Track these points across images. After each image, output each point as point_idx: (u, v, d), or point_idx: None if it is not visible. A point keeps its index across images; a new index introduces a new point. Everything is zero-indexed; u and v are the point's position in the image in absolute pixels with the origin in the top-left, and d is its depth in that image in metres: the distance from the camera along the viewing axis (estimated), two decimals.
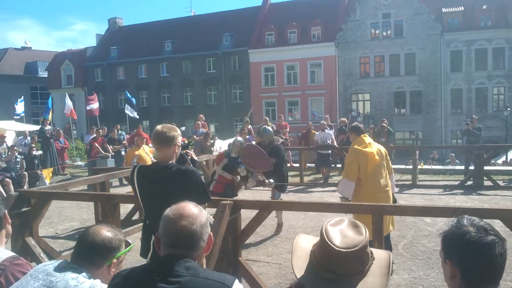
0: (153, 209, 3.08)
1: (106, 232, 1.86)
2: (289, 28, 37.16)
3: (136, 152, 9.40)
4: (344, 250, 1.32)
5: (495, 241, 1.32)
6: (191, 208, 1.60)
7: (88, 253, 1.81)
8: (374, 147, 5.19)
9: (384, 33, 34.88)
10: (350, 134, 5.47)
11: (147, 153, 10.09)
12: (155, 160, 9.32)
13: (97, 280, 1.77)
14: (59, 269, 1.77)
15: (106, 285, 1.74)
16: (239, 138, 7.24)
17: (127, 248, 1.94)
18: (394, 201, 5.41)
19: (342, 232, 1.38)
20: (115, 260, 1.86)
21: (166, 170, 3.14)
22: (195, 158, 3.87)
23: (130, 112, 21.06)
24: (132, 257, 6.19)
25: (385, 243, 4.60)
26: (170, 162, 3.18)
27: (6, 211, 2.20)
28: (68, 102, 21.43)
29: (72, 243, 6.86)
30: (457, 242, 1.34)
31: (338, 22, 35.84)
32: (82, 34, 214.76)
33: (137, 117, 22.09)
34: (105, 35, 47.82)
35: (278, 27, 37.53)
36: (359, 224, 1.42)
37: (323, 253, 1.35)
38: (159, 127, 3.24)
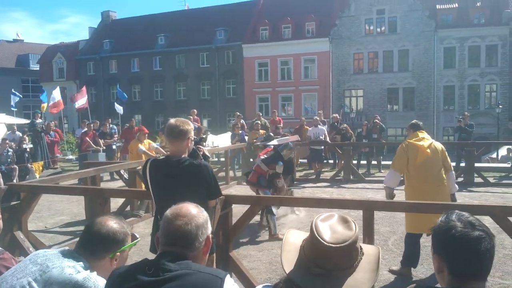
0: (165, 203, 3.07)
1: (113, 223, 1.84)
2: (283, 23, 37.11)
3: (140, 145, 9.39)
4: (333, 245, 1.31)
5: (482, 236, 1.31)
6: (189, 208, 1.60)
7: (91, 243, 1.80)
8: (427, 142, 5.26)
9: (378, 29, 34.96)
10: (408, 129, 5.61)
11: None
12: (155, 155, 9.33)
13: (94, 272, 1.75)
14: (58, 256, 1.76)
15: (103, 279, 1.73)
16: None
17: (132, 242, 1.91)
18: (454, 201, 5.26)
19: (332, 227, 1.37)
20: (118, 253, 1.84)
21: (179, 164, 3.14)
22: (207, 153, 3.88)
23: (117, 109, 21.24)
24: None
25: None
26: (183, 156, 3.18)
27: None
28: (55, 94, 20.59)
29: (62, 237, 6.85)
30: (443, 236, 1.33)
31: (332, 18, 35.83)
32: (75, 27, 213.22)
33: (121, 112, 22.16)
34: (98, 28, 47.50)
35: (272, 22, 37.46)
36: (349, 219, 1.41)
37: (313, 248, 1.34)
38: (172, 120, 3.25)
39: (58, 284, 1.67)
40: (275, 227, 6.62)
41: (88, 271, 1.73)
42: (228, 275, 1.52)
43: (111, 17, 48.00)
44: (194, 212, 1.58)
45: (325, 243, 1.31)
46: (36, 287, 1.66)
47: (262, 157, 7.17)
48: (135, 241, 1.93)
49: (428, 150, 5.15)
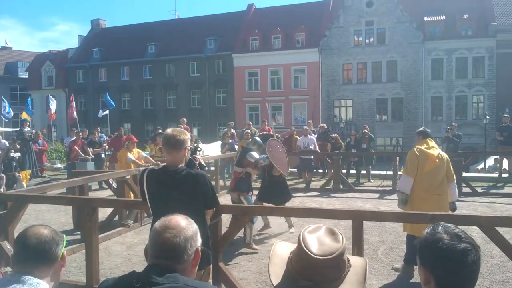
0: (162, 213, 3.05)
1: (45, 228, 1.81)
2: (274, 33, 37.35)
3: (129, 154, 9.33)
4: (321, 257, 1.31)
5: (468, 248, 1.32)
6: (178, 220, 1.58)
7: (40, 251, 1.73)
8: (436, 151, 5.40)
9: (367, 41, 35.30)
10: (417, 136, 5.68)
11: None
12: (145, 164, 9.26)
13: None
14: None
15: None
16: (259, 139, 7.31)
17: (64, 239, 1.88)
18: (454, 208, 5.50)
19: (319, 239, 1.38)
20: (64, 252, 1.82)
21: (176, 174, 3.15)
22: (203, 163, 3.87)
23: (99, 114, 21.38)
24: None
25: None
26: (180, 166, 3.19)
27: None
28: (52, 104, 20.98)
29: None
30: (430, 249, 1.34)
31: (322, 29, 36.14)
32: (65, 35, 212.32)
33: (100, 116, 22.15)
34: (88, 36, 47.38)
35: (262, 32, 37.67)
36: (336, 231, 1.42)
37: (300, 260, 1.34)
38: (169, 130, 3.27)
39: None
40: (251, 237, 6.55)
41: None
42: None
43: (101, 25, 47.92)
44: (183, 224, 1.57)
45: (313, 255, 1.31)
46: None
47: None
48: (64, 237, 1.90)
49: (437, 160, 5.30)
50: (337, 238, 1.38)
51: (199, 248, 1.59)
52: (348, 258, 1.40)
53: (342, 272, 1.35)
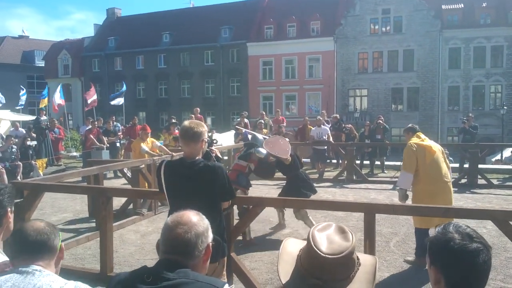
0: (179, 204, 3.08)
1: (41, 222, 1.83)
2: (288, 22, 37.05)
3: (142, 144, 9.40)
4: (330, 256, 1.31)
5: (480, 248, 1.31)
6: (189, 216, 1.59)
7: (39, 243, 1.75)
8: (430, 142, 5.59)
9: (383, 29, 34.85)
10: (407, 133, 5.81)
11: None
12: (159, 153, 9.29)
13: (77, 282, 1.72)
14: (23, 278, 1.66)
15: (86, 285, 1.71)
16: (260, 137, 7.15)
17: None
18: None
19: (329, 237, 1.37)
20: (62, 244, 1.84)
21: (193, 166, 3.17)
22: (220, 155, 3.88)
23: (116, 102, 21.13)
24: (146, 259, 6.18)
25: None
26: (197, 158, 3.21)
27: (9, 208, 2.13)
28: (56, 95, 20.83)
29: (65, 235, 6.86)
30: (441, 249, 1.33)
31: (337, 17, 35.75)
32: (80, 24, 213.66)
33: (117, 104, 21.84)
34: (103, 25, 47.57)
35: (277, 21, 37.41)
36: (346, 230, 1.41)
37: (309, 259, 1.34)
38: (186, 122, 3.29)
39: None
40: (250, 232, 6.45)
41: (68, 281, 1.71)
42: (227, 285, 1.52)
43: (116, 14, 48.04)
44: (194, 220, 1.58)
45: (322, 254, 1.31)
46: None
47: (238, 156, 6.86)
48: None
49: (435, 149, 5.44)
50: (347, 236, 1.38)
51: (210, 244, 1.60)
52: (357, 257, 1.40)
53: (351, 271, 1.35)
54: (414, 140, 5.55)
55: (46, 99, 20.58)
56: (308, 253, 1.36)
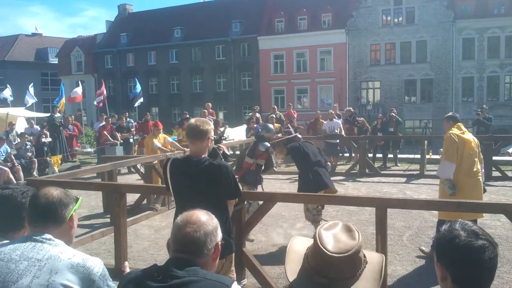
0: (184, 202, 3.13)
1: (55, 190, 1.87)
2: (299, 14, 36.83)
3: (155, 140, 9.48)
4: (336, 255, 1.33)
5: (485, 245, 1.32)
6: (199, 215, 1.63)
7: (50, 211, 1.80)
8: (470, 135, 5.54)
9: (396, 20, 34.46)
10: (447, 122, 5.68)
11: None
12: (171, 149, 9.32)
13: (86, 255, 1.75)
14: (30, 247, 1.71)
15: (96, 258, 1.77)
16: (271, 126, 7.14)
17: (78, 202, 1.94)
18: (484, 189, 5.63)
19: (335, 236, 1.39)
20: (74, 213, 1.88)
21: (199, 164, 3.18)
22: (227, 152, 3.88)
23: (136, 102, 21.20)
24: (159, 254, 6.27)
25: None
26: (203, 156, 3.22)
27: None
28: (78, 90, 21.22)
29: (80, 230, 6.96)
30: (447, 246, 1.35)
31: (349, 9, 35.43)
32: (93, 20, 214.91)
33: (139, 104, 21.90)
34: (115, 21, 47.80)
35: (288, 14, 37.21)
36: (353, 228, 1.43)
37: (316, 257, 1.36)
38: (192, 120, 3.31)
39: (62, 271, 1.65)
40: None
41: (80, 252, 1.76)
42: (235, 282, 1.55)
43: (127, 10, 48.23)
44: (203, 219, 1.62)
45: (328, 252, 1.33)
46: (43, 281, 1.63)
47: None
48: (79, 200, 1.95)
49: (473, 145, 5.40)
50: (353, 235, 1.39)
51: (219, 242, 1.64)
52: (364, 255, 1.41)
53: (358, 269, 1.37)
54: (454, 131, 5.44)
55: (63, 100, 20.72)
56: (314, 251, 1.38)
